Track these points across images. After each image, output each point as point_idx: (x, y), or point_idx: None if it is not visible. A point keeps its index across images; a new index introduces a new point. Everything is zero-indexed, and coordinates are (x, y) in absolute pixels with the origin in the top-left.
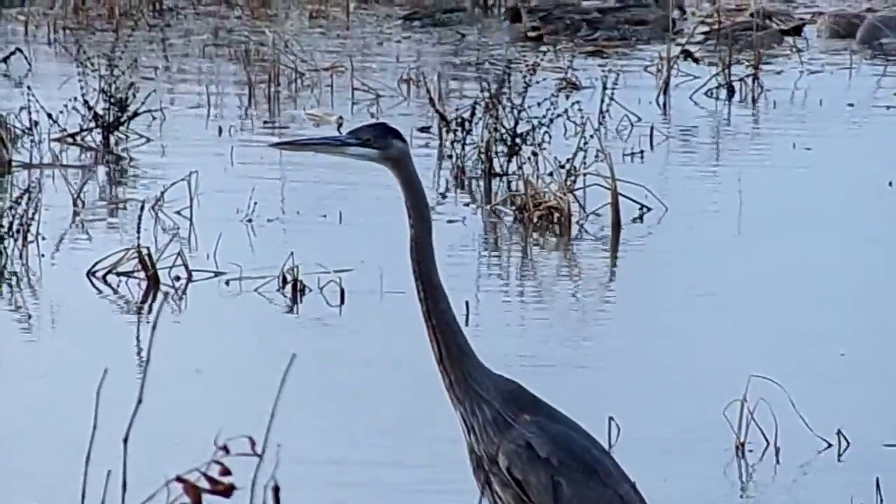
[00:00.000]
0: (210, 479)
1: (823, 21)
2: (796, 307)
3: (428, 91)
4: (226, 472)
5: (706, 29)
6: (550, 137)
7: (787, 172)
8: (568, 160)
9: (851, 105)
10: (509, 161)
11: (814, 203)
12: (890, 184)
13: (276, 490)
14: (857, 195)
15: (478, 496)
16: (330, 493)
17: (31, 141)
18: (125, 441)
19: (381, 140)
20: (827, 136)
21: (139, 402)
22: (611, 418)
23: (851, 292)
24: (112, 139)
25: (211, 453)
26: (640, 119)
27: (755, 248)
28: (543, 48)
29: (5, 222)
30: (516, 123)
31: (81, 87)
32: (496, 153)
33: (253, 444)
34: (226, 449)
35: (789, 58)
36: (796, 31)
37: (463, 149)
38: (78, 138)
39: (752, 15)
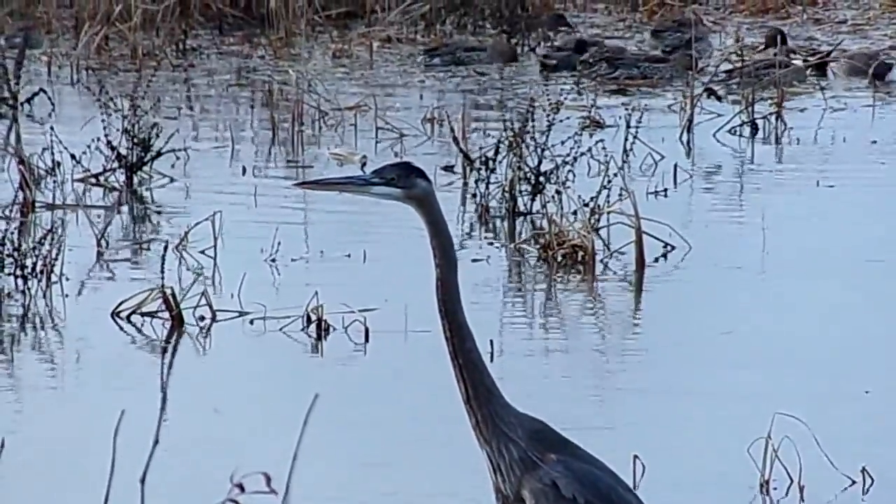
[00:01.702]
0: None
1: (841, 61)
2: (820, 345)
3: (451, 130)
4: None
5: (729, 67)
6: (574, 176)
7: (810, 210)
8: (592, 198)
9: (875, 142)
10: (533, 200)
11: (837, 241)
12: None
13: None
14: (881, 233)
15: None
16: None
17: (55, 181)
18: (142, 481)
19: (405, 179)
20: (850, 173)
21: (156, 442)
22: (636, 457)
23: (876, 330)
24: (135, 179)
25: (230, 493)
26: (663, 157)
27: (779, 287)
28: (566, 87)
29: (29, 263)
30: (540, 162)
31: (104, 128)
32: (520, 192)
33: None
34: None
35: (812, 95)
36: (820, 67)
37: (487, 187)
38: (101, 178)
39: (774, 53)
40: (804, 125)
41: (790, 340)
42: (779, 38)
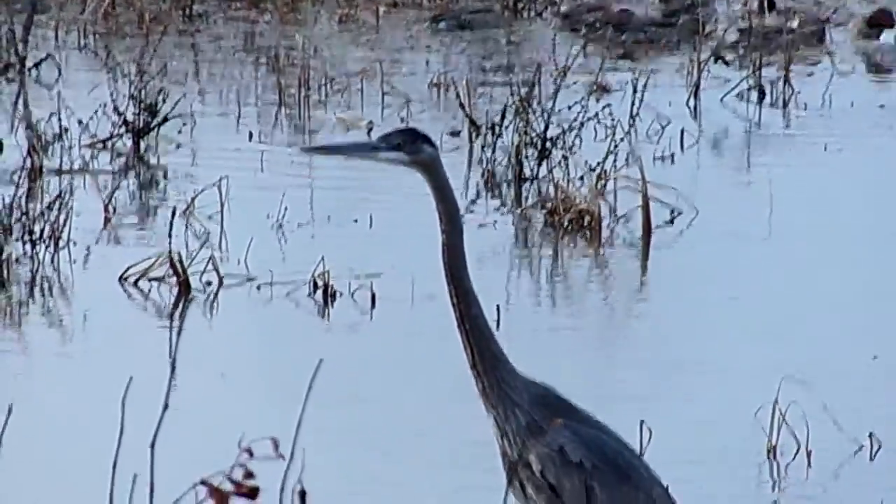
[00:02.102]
0: (234, 483)
1: (855, 22)
2: (828, 310)
3: (457, 95)
4: (249, 474)
5: (735, 34)
6: (581, 141)
7: (817, 175)
8: (598, 164)
9: (882, 107)
10: (539, 165)
11: (845, 206)
12: None
13: (303, 494)
14: (889, 198)
15: (509, 499)
16: (358, 497)
17: (62, 147)
18: (152, 446)
19: (411, 145)
20: (858, 138)
21: (165, 407)
22: (642, 422)
23: (884, 295)
24: (142, 145)
25: (238, 457)
26: (670, 122)
27: (786, 252)
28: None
29: (37, 228)
30: (546, 127)
31: (111, 93)
32: (526, 157)
33: (276, 445)
34: (249, 452)
35: (820, 60)
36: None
37: (493, 153)
38: (108, 144)
39: (783, 16)
40: (812, 90)
41: (797, 306)
42: (766, 2)
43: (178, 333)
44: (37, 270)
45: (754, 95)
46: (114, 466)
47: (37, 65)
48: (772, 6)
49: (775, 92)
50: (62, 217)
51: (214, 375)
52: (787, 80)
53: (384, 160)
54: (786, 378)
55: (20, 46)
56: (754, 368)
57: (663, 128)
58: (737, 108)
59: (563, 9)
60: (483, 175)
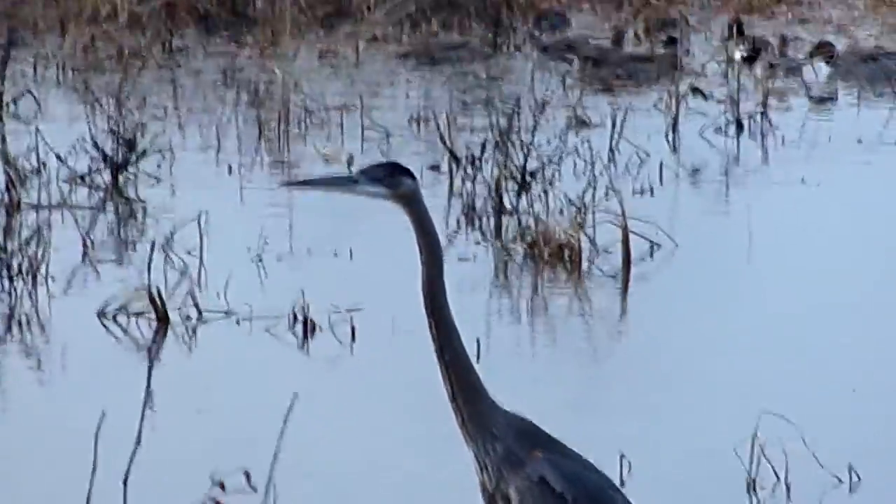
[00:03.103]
0: None
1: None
2: (807, 343)
3: (438, 128)
4: None
5: (716, 66)
6: (560, 174)
7: (796, 208)
8: (578, 197)
9: (860, 141)
10: (519, 198)
11: (823, 239)
12: None
13: None
14: (866, 231)
15: None
16: None
17: (40, 181)
18: (125, 482)
19: (391, 178)
20: (836, 172)
21: (137, 443)
22: (622, 455)
23: (862, 328)
24: (121, 179)
25: (211, 491)
26: (649, 155)
27: (765, 285)
28: (552, 86)
29: (15, 263)
30: (526, 161)
31: (90, 128)
32: (506, 190)
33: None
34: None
35: (797, 94)
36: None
37: (473, 186)
38: (87, 178)
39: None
40: (789, 123)
41: (777, 339)
42: (735, 28)
43: (150, 368)
44: (15, 305)
45: (732, 129)
46: (87, 501)
47: (15, 100)
48: (741, 31)
49: (753, 125)
50: (40, 252)
51: (192, 410)
52: (764, 114)
53: (365, 194)
54: (765, 411)
55: None
56: (733, 401)
57: (642, 161)
58: (715, 141)
59: (543, 43)
60: (463, 208)
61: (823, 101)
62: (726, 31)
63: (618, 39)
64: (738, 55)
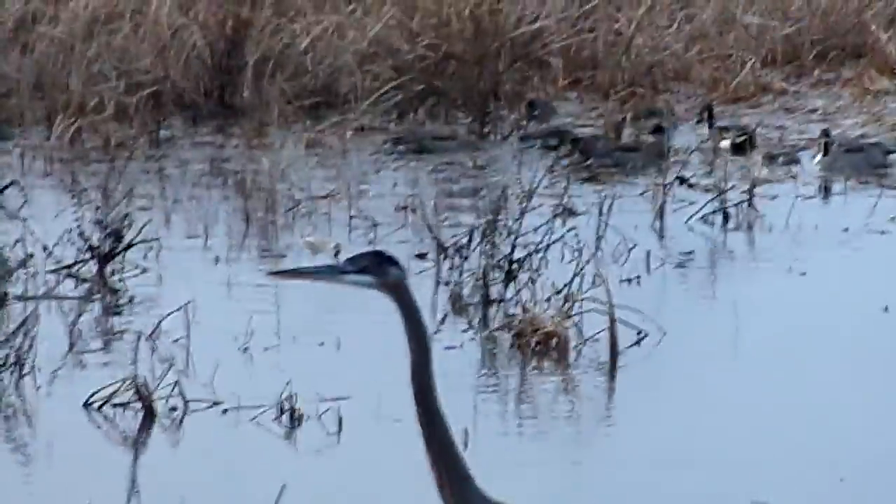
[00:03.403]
0: None
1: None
2: (795, 432)
3: (424, 218)
4: None
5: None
6: (547, 263)
7: (782, 297)
8: (565, 286)
9: (846, 230)
10: (506, 287)
11: (810, 328)
12: (886, 308)
13: None
14: (853, 320)
15: None
16: None
17: (27, 273)
18: None
19: (378, 267)
20: (822, 261)
21: None
22: None
23: (849, 417)
24: (108, 270)
25: None
26: (636, 244)
27: (753, 373)
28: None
29: (1, 354)
30: (513, 249)
31: (77, 219)
32: (493, 279)
33: None
34: None
35: (783, 182)
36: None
37: (460, 275)
38: (73, 270)
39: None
40: (776, 212)
41: (764, 427)
42: (706, 112)
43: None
44: (1, 397)
45: (719, 218)
46: None
47: (1, 191)
48: (711, 115)
49: (740, 215)
50: (27, 343)
51: (178, 501)
52: (751, 203)
53: (352, 283)
54: (753, 501)
55: None
56: (722, 491)
57: (629, 250)
58: (702, 230)
59: (529, 132)
60: (450, 297)
61: (827, 190)
62: (696, 118)
63: (617, 131)
64: (724, 143)
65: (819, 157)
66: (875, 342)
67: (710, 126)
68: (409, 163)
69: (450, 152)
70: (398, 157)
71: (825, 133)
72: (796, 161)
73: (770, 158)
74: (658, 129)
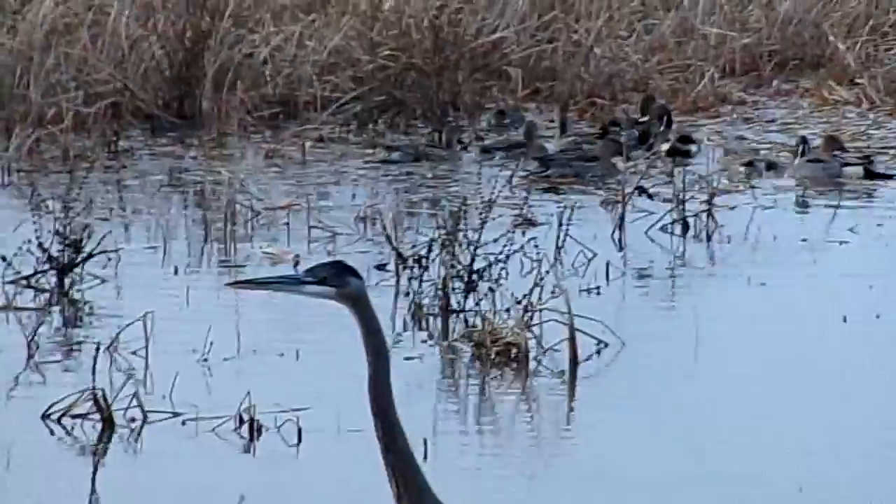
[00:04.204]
0: None
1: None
2: (752, 444)
3: (384, 228)
4: None
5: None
6: (507, 274)
7: (741, 308)
8: (525, 296)
9: (805, 240)
10: (466, 297)
11: (768, 339)
12: (844, 319)
13: None
14: (813, 330)
15: None
16: None
17: None
18: None
19: (337, 278)
20: (781, 271)
21: None
22: None
23: (809, 427)
24: (67, 281)
25: None
26: (595, 255)
27: (711, 384)
28: (499, 185)
29: None
30: (473, 260)
31: (36, 230)
32: (453, 289)
33: None
34: None
35: (742, 193)
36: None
37: (420, 286)
38: (32, 281)
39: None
40: (735, 222)
41: (722, 439)
42: (666, 117)
43: (94, 471)
44: None
45: (678, 228)
46: None
47: None
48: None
49: (699, 225)
50: None
51: None
52: (710, 214)
53: (311, 293)
54: None
55: None
56: (681, 501)
57: (589, 260)
58: (661, 240)
59: (488, 143)
60: (410, 308)
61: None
62: (655, 120)
63: (604, 131)
64: (663, 146)
65: (798, 160)
66: (834, 353)
67: (667, 128)
68: (368, 173)
69: (409, 162)
70: (358, 168)
71: (803, 139)
72: (758, 171)
73: (751, 165)
74: (605, 134)
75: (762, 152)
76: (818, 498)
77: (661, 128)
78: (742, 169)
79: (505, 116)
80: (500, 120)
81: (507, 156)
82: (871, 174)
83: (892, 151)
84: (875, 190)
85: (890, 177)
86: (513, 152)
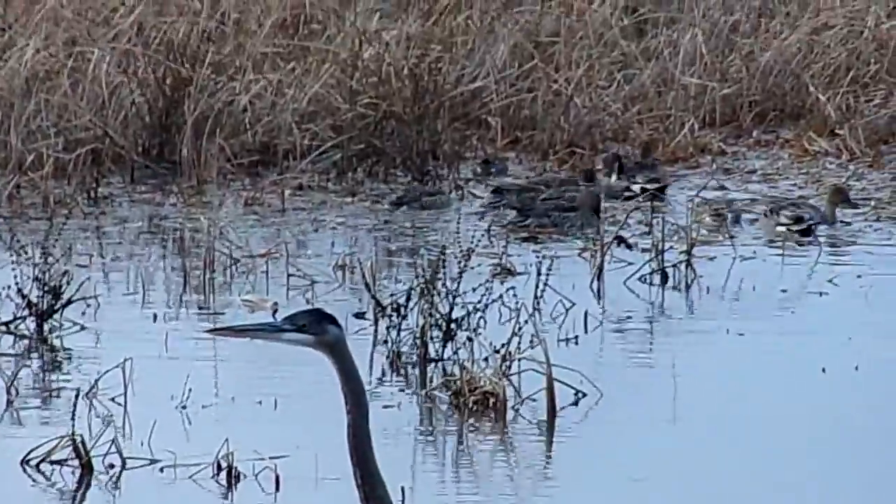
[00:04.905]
0: None
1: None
2: (731, 494)
3: (363, 276)
4: None
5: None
6: (485, 323)
7: (720, 359)
8: (503, 345)
9: (784, 291)
10: (444, 346)
11: (747, 389)
12: (823, 370)
13: None
14: (792, 381)
15: None
16: None
17: None
18: None
19: (316, 326)
20: (760, 322)
21: None
22: None
23: (785, 479)
24: (46, 327)
25: None
26: (574, 304)
27: (690, 435)
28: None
29: None
30: (451, 309)
31: (15, 276)
32: (431, 338)
33: None
34: None
35: (722, 244)
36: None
37: (398, 334)
38: (11, 326)
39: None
40: (714, 273)
41: (700, 488)
42: (617, 163)
43: None
44: None
45: (657, 279)
46: None
47: None
48: (622, 168)
49: (678, 275)
50: None
51: None
52: (689, 264)
53: (289, 341)
54: None
55: None
56: None
57: (567, 310)
58: (640, 290)
59: (469, 191)
60: (388, 356)
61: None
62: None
63: (590, 177)
64: (635, 187)
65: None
66: (813, 404)
67: (619, 176)
68: (347, 221)
69: (389, 211)
70: (337, 216)
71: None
72: (737, 221)
73: (715, 216)
74: (590, 177)
75: (738, 203)
76: None
77: (614, 175)
78: (709, 219)
79: (490, 165)
80: (485, 169)
81: (518, 198)
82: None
83: (872, 202)
84: (854, 242)
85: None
86: (522, 196)
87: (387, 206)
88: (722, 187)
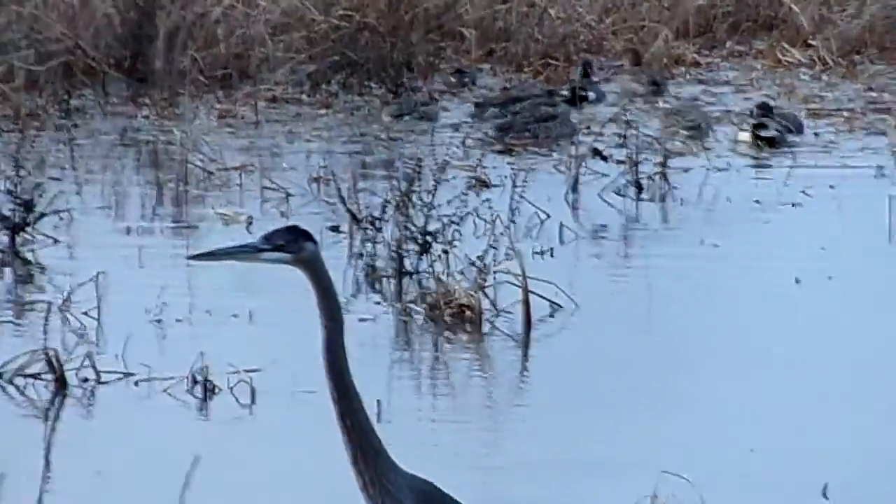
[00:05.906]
0: None
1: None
2: (706, 404)
3: (338, 189)
4: None
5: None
6: (461, 235)
7: (695, 269)
8: (479, 258)
9: (758, 202)
10: (420, 259)
11: (722, 300)
12: (797, 280)
13: None
14: (765, 292)
15: None
16: None
17: None
18: None
19: (294, 244)
20: (734, 232)
21: None
22: None
23: (760, 387)
24: (18, 240)
25: None
26: (549, 216)
27: (665, 345)
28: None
29: None
30: (427, 222)
31: None
32: (407, 252)
33: None
34: None
35: (697, 155)
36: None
37: (374, 248)
38: None
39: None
40: (688, 184)
41: (676, 399)
42: (584, 70)
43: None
44: None
45: (632, 191)
46: None
47: None
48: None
49: (653, 187)
50: None
51: (91, 473)
52: (664, 176)
53: (268, 261)
54: (663, 471)
55: None
56: (633, 463)
57: (542, 222)
58: (615, 202)
59: (443, 103)
60: (364, 270)
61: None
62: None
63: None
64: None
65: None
66: (785, 315)
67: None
68: (321, 134)
69: (363, 124)
70: (312, 129)
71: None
72: (711, 131)
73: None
74: (570, 102)
75: (714, 114)
76: (768, 458)
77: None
78: (682, 131)
79: (464, 75)
80: (459, 79)
81: (501, 112)
82: (758, 138)
83: (845, 114)
84: (829, 153)
85: (774, 140)
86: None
87: (387, 117)
88: (695, 98)
